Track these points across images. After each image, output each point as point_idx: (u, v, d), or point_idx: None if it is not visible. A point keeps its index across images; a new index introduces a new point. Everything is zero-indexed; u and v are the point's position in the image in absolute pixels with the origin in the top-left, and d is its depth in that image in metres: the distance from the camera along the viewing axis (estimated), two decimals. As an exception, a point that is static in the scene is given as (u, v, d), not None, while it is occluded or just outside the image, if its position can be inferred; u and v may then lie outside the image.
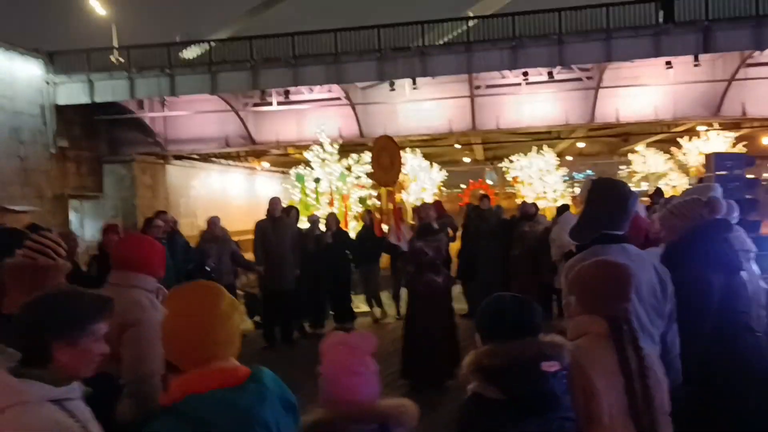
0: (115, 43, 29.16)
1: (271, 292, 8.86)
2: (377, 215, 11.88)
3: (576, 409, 2.15)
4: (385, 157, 8.77)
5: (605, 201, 2.96)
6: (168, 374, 1.79)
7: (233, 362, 1.73)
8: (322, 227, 10.07)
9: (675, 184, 35.55)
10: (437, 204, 10.76)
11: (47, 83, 23.27)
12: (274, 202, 9.11)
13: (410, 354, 6.52)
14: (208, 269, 8.19)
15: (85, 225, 24.23)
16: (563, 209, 8.84)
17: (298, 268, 8.93)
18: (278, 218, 8.96)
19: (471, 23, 24.57)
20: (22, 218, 19.03)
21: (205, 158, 31.29)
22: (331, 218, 10.13)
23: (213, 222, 8.85)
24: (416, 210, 7.86)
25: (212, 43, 25.61)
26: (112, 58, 25.53)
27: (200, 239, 8.70)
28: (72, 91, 23.69)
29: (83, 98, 23.73)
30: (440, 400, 5.69)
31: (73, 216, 24.39)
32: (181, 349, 1.70)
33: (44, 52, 23.47)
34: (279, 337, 9.03)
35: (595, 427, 2.16)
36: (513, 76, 24.27)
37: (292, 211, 9.74)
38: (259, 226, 8.94)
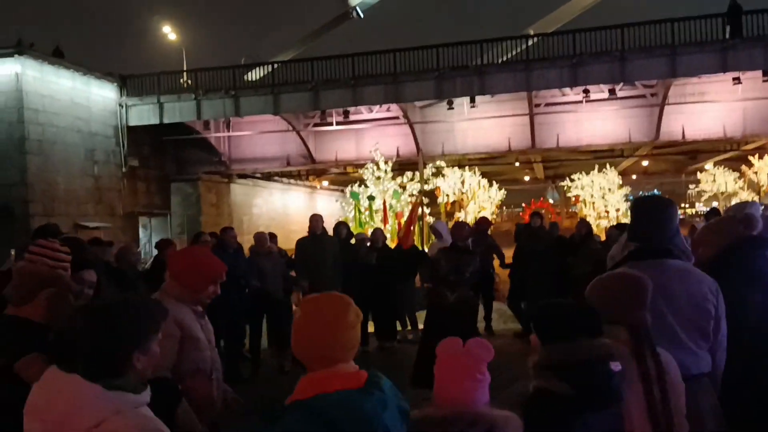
0: (185, 67, 30.40)
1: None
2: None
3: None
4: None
5: (641, 216, 3.07)
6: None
7: (354, 366, 1.86)
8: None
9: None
10: (479, 225, 10.43)
11: (120, 105, 24.44)
12: (315, 219, 8.81)
13: (419, 366, 6.51)
14: (247, 290, 7.96)
15: (153, 241, 25.18)
16: (622, 228, 8.60)
17: (341, 286, 8.54)
18: (319, 235, 8.70)
19: (531, 41, 24.45)
20: (95, 235, 19.96)
21: (268, 177, 32.10)
22: (378, 234, 9.90)
23: (262, 238, 8.57)
24: (452, 228, 7.85)
25: (275, 66, 26.34)
26: (181, 81, 26.62)
27: (251, 255, 8.48)
28: (143, 113, 24.79)
29: (153, 119, 24.79)
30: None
31: (142, 233, 25.41)
32: (312, 349, 1.85)
33: (118, 75, 24.69)
34: None
35: None
36: (573, 93, 23.99)
37: (340, 228, 9.49)
38: (300, 244, 8.74)
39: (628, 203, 36.53)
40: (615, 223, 10.43)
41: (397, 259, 9.36)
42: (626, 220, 24.61)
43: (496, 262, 10.53)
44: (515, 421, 2.00)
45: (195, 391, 2.94)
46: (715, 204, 38.51)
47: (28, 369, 2.75)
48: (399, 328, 10.21)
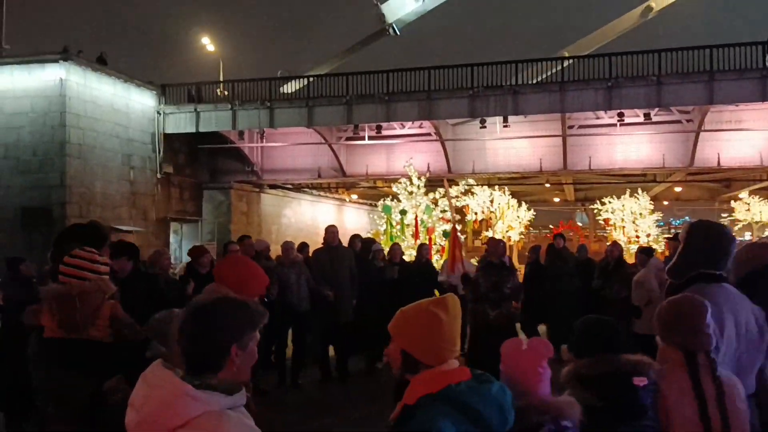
0: (221, 77, 30.94)
1: (328, 324, 8.46)
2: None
3: (660, 424, 2.45)
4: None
5: (704, 241, 3.10)
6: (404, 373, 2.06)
7: (457, 362, 2.04)
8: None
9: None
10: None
11: (158, 113, 24.97)
12: (331, 230, 8.65)
13: None
14: (266, 300, 7.76)
15: (184, 247, 25.56)
16: (649, 253, 8.55)
17: (355, 299, 8.51)
18: (335, 247, 8.56)
19: (566, 63, 24.41)
20: (128, 238, 20.35)
21: (298, 188, 32.39)
22: (396, 249, 9.80)
23: (288, 247, 8.46)
24: (488, 245, 7.93)
25: (310, 79, 26.67)
26: (218, 91, 27.10)
27: (276, 266, 8.30)
28: (179, 121, 25.28)
29: (189, 128, 25.26)
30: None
31: (173, 238, 25.80)
32: (432, 348, 2.00)
33: (157, 84, 25.25)
34: (335, 371, 8.61)
35: None
36: (608, 116, 23.84)
37: (355, 240, 9.31)
38: (316, 255, 8.59)
39: (660, 229, 36.03)
40: (641, 247, 10.32)
41: (417, 274, 9.25)
42: (655, 246, 24.17)
43: None
44: (577, 405, 2.17)
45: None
46: (748, 234, 37.76)
47: (114, 393, 2.92)
48: None
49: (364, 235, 14.10)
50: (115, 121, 22.80)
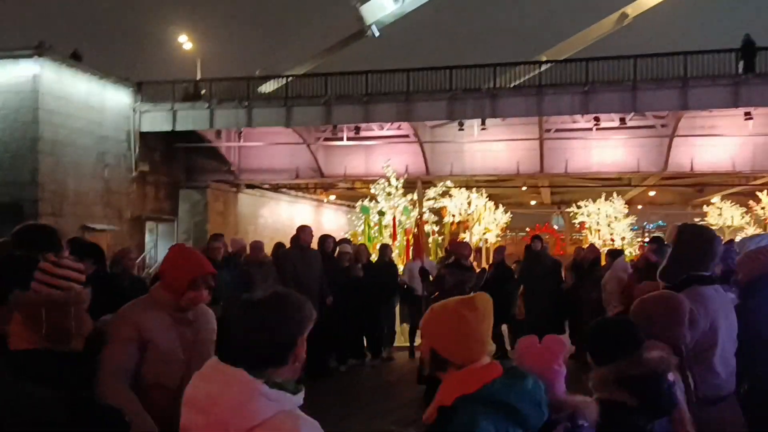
0: (199, 76, 30.66)
1: None
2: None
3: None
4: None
5: (695, 243, 3.20)
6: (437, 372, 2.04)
7: (489, 358, 2.03)
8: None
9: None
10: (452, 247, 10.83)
11: (134, 111, 24.66)
12: (305, 230, 8.46)
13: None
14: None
15: (159, 246, 25.28)
16: (616, 255, 8.74)
17: (323, 300, 8.27)
18: (307, 248, 8.38)
19: (543, 67, 24.63)
20: (101, 237, 20.08)
21: (275, 188, 32.21)
22: (362, 250, 9.69)
23: (257, 247, 8.30)
24: (450, 245, 8.23)
25: (289, 79, 26.56)
26: (199, 91, 26.83)
27: (243, 265, 8.03)
28: (156, 119, 25.00)
29: (166, 126, 24.99)
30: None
31: (148, 237, 25.50)
32: (466, 348, 1.99)
33: (133, 81, 24.94)
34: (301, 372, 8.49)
35: None
36: (584, 120, 24.10)
37: (327, 241, 9.04)
38: (287, 255, 8.34)
39: (634, 233, 36.51)
40: (610, 249, 10.50)
41: (380, 275, 9.27)
42: (630, 249, 24.47)
43: None
44: (593, 405, 2.19)
45: (151, 407, 2.66)
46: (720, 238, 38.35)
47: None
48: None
49: (341, 235, 14.11)
50: (90, 118, 22.48)
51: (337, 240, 9.70)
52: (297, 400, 1.69)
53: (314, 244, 8.73)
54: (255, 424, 1.58)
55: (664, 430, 2.49)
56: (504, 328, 9.98)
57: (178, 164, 27.32)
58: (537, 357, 2.25)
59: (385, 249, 10.08)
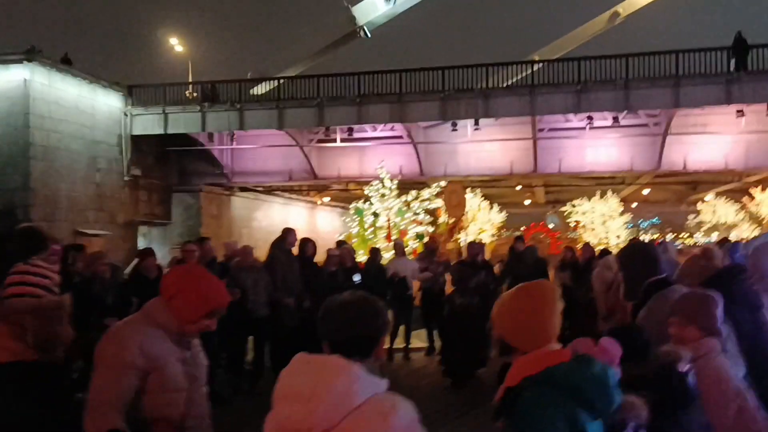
0: (190, 79, 30.56)
1: (273, 329, 8.11)
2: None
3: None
4: (455, 198, 9.79)
5: (635, 260, 3.54)
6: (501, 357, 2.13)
7: (558, 345, 2.07)
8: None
9: (746, 236, 34.16)
10: (428, 245, 11.03)
11: (125, 114, 24.53)
12: (291, 233, 8.40)
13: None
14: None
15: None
16: (604, 254, 8.76)
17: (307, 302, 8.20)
18: (290, 251, 8.29)
19: (536, 67, 24.64)
20: (94, 242, 19.94)
21: (269, 191, 32.12)
22: (346, 253, 9.45)
23: (247, 252, 8.15)
24: (468, 246, 9.02)
25: (281, 81, 26.48)
26: (186, 93, 26.74)
27: (233, 270, 7.87)
28: (147, 123, 24.88)
29: (157, 129, 24.87)
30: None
31: (141, 241, 25.36)
32: (528, 333, 2.05)
33: (124, 85, 24.81)
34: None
35: None
36: (577, 120, 24.10)
37: (308, 245, 8.81)
38: (279, 258, 8.20)
39: (629, 231, 36.57)
40: (602, 249, 10.57)
41: (371, 279, 9.06)
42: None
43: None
44: (645, 404, 2.30)
45: None
46: (714, 235, 38.49)
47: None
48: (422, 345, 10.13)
49: (336, 238, 14.02)
50: (81, 122, 22.34)
51: (337, 242, 9.65)
52: (386, 384, 1.76)
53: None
54: (356, 405, 1.64)
55: (700, 420, 2.56)
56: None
57: (170, 168, 27.19)
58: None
59: (375, 253, 9.97)
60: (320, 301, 6.69)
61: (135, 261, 8.13)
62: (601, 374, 1.98)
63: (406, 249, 16.06)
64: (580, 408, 1.92)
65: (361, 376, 1.69)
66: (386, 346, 9.68)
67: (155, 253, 7.64)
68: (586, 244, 10.95)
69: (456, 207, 9.66)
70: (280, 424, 1.69)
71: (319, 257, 9.10)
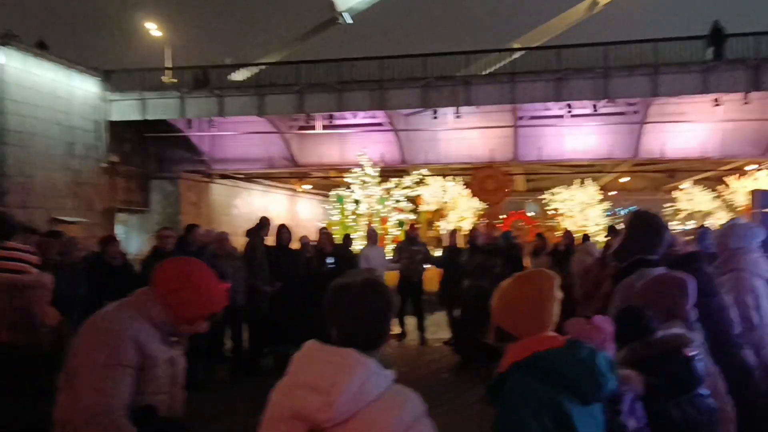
0: (168, 64, 30.17)
1: (250, 316, 8.12)
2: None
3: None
4: (491, 183, 9.98)
5: (643, 229, 3.51)
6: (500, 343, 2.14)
7: (553, 332, 2.09)
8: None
9: (722, 223, 34.62)
10: (409, 232, 10.98)
11: (102, 100, 24.18)
12: (266, 221, 8.42)
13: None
14: None
15: (132, 238, 24.90)
16: (585, 239, 8.97)
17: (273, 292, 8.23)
18: (264, 239, 8.32)
19: (516, 55, 24.71)
20: (72, 229, 19.70)
21: (249, 178, 31.91)
22: (324, 237, 9.35)
23: (223, 238, 8.09)
24: (471, 231, 9.50)
25: (261, 67, 26.26)
26: (164, 78, 26.41)
27: (210, 257, 7.69)
28: (125, 109, 24.56)
29: (135, 115, 24.57)
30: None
31: (120, 229, 25.11)
32: (522, 320, 2.08)
33: (101, 70, 24.43)
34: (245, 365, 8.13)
35: None
36: (557, 108, 24.24)
37: (283, 231, 8.81)
38: (257, 246, 8.22)
39: (608, 218, 36.95)
40: (584, 235, 10.76)
41: (343, 266, 8.77)
42: (604, 234, 24.82)
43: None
44: (637, 376, 2.38)
45: None
46: (691, 223, 39.02)
47: None
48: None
49: (317, 225, 14.03)
50: (57, 107, 21.99)
51: (319, 229, 9.60)
52: (393, 376, 1.79)
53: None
54: (372, 399, 1.68)
55: (702, 406, 2.60)
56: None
57: (149, 154, 26.90)
58: (586, 337, 2.35)
59: (346, 240, 9.95)
60: (295, 287, 6.66)
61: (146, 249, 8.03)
62: (587, 359, 1.99)
63: (387, 237, 16.14)
64: (566, 393, 1.94)
65: (376, 371, 1.73)
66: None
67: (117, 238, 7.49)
68: (567, 231, 11.08)
69: (493, 192, 9.54)
70: (294, 410, 1.71)
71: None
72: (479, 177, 9.23)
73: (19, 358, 2.83)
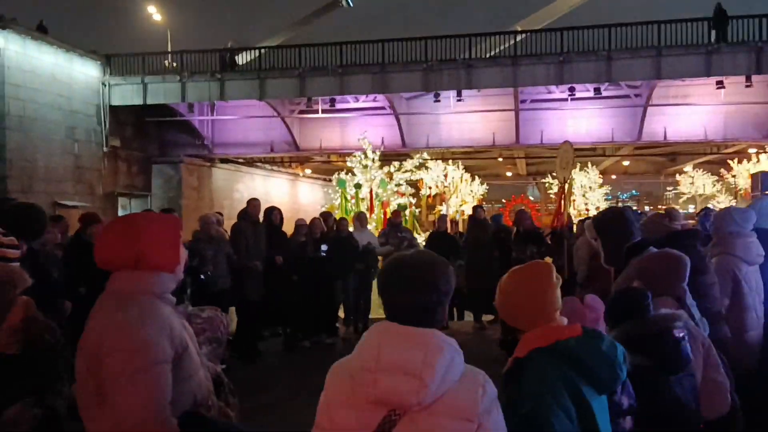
0: (169, 48, 30.05)
1: (239, 303, 7.98)
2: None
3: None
4: (565, 159, 9.06)
5: (610, 225, 3.64)
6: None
7: (566, 320, 2.12)
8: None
9: (723, 207, 34.59)
10: (392, 218, 10.85)
11: (103, 84, 24.11)
12: (255, 204, 8.32)
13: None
14: (203, 278, 7.29)
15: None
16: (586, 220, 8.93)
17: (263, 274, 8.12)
18: (256, 222, 8.23)
19: (519, 37, 24.55)
20: (73, 214, 19.72)
21: (250, 162, 31.92)
22: (316, 223, 9.18)
23: (209, 221, 7.87)
24: (517, 215, 9.25)
25: (262, 51, 26.13)
26: (166, 62, 26.30)
27: (192, 240, 7.54)
28: (126, 93, 24.49)
29: (137, 100, 24.50)
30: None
31: (121, 213, 25.15)
32: (527, 316, 2.10)
33: (102, 54, 24.32)
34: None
35: None
36: (559, 91, 24.14)
37: (274, 213, 8.72)
38: (240, 229, 8.07)
39: (609, 202, 36.95)
40: (581, 219, 10.67)
41: (336, 249, 8.82)
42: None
43: None
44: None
45: None
46: (692, 207, 39.01)
47: (20, 425, 2.16)
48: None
49: (318, 210, 14.03)
50: (58, 92, 21.92)
51: (321, 213, 9.52)
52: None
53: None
54: (457, 378, 1.65)
55: (691, 385, 2.65)
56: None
57: (150, 139, 26.86)
58: (581, 317, 2.38)
59: (341, 222, 9.63)
60: (288, 270, 6.52)
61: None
62: (608, 351, 2.03)
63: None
64: (584, 382, 1.98)
65: (459, 350, 1.69)
66: (361, 323, 9.86)
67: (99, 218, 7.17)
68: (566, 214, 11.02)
69: (564, 169, 8.85)
70: (379, 396, 1.63)
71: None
72: (560, 151, 8.56)
73: None
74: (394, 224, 10.31)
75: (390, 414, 1.62)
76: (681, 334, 2.57)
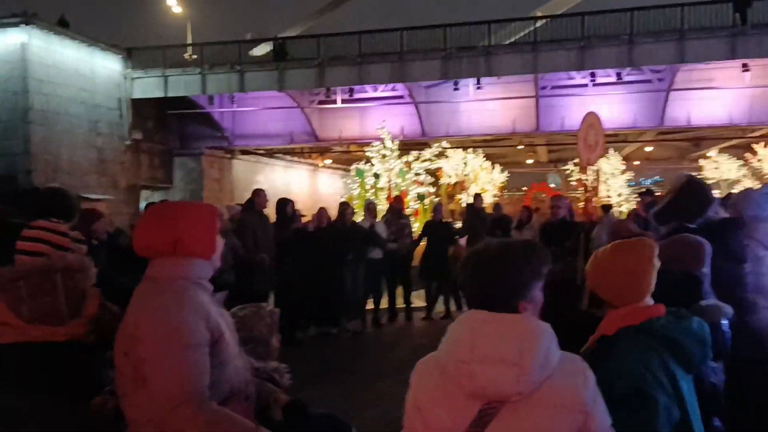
0: (189, 40, 30.21)
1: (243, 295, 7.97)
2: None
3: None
4: (592, 135, 8.04)
5: (694, 197, 3.56)
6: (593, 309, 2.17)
7: (652, 300, 2.11)
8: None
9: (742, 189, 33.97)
10: (393, 205, 10.77)
11: (125, 78, 24.33)
12: (262, 195, 8.26)
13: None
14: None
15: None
16: (607, 209, 8.84)
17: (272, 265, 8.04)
18: (262, 212, 8.17)
19: (539, 23, 24.27)
20: (97, 206, 20.00)
21: (270, 154, 32.04)
22: (322, 213, 9.11)
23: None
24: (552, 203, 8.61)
25: (281, 41, 26.16)
26: (186, 55, 26.46)
27: None
28: (147, 86, 24.69)
29: (157, 92, 24.70)
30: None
31: (144, 206, 25.42)
32: (622, 290, 2.09)
33: (123, 48, 24.54)
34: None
35: None
36: (580, 77, 23.84)
37: (285, 205, 8.67)
38: (249, 220, 7.95)
39: (631, 189, 36.51)
40: (601, 205, 10.53)
41: (339, 238, 8.72)
42: (627, 205, 24.56)
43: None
44: None
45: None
46: (717, 192, 38.41)
47: (104, 407, 2.13)
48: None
49: (338, 200, 14.02)
50: (80, 86, 22.19)
51: (340, 203, 9.51)
52: None
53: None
54: (555, 367, 1.59)
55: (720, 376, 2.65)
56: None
57: (171, 131, 27.10)
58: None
59: (345, 208, 9.32)
60: (300, 263, 6.43)
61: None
62: (698, 330, 2.04)
63: (407, 210, 16.16)
64: (675, 361, 1.98)
65: (554, 335, 1.62)
66: (368, 307, 9.80)
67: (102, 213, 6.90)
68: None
69: (591, 148, 7.31)
70: (476, 388, 1.57)
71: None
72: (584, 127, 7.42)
73: (34, 356, 2.31)
74: (395, 210, 10.25)
75: (487, 406, 1.56)
76: (726, 329, 2.61)
